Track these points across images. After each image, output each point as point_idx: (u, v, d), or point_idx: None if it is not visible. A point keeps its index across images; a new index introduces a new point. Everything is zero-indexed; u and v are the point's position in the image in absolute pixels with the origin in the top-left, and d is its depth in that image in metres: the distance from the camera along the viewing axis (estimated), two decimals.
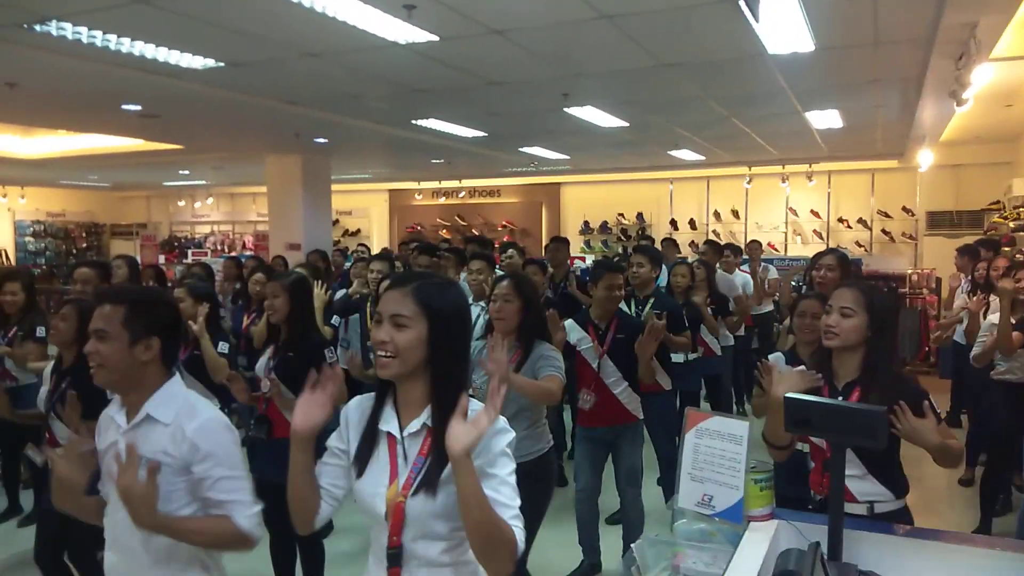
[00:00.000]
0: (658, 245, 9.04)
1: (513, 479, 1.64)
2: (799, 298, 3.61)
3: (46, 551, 3.38)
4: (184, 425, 1.94)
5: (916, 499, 2.63)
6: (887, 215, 12.20)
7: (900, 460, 2.54)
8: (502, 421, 1.65)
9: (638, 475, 4.15)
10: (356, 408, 1.80)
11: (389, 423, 1.72)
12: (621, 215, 14.26)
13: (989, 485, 4.85)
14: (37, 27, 4.71)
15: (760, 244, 9.40)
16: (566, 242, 7.03)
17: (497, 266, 6.05)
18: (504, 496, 1.59)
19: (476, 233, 14.30)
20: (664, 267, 5.91)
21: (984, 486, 4.88)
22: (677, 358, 5.12)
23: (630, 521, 4.18)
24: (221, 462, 1.95)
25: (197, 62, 5.62)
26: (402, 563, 1.65)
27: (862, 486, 2.47)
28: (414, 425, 1.68)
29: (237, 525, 1.95)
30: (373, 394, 1.79)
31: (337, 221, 14.98)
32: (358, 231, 16.49)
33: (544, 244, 8.67)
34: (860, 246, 12.12)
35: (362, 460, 1.73)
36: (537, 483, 3.16)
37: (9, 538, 4.92)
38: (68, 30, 4.79)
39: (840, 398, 2.47)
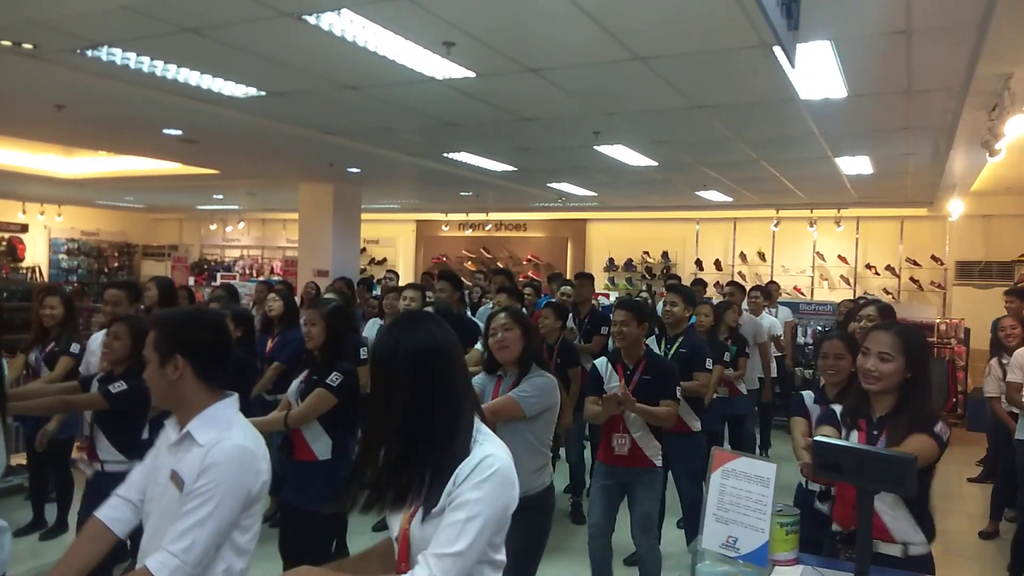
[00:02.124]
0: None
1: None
2: (821, 338, 3.61)
3: None
4: (214, 444, 1.94)
5: (938, 550, 2.60)
6: (916, 263, 12.09)
7: (932, 506, 2.52)
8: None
9: (653, 523, 4.08)
10: None
11: None
12: (646, 253, 14.27)
13: (1022, 541, 4.75)
14: (88, 52, 4.87)
15: (778, 285, 9.36)
16: (591, 278, 7.06)
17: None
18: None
19: (501, 266, 14.37)
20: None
21: (1017, 542, 4.78)
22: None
23: (646, 571, 4.12)
24: (209, 500, 1.86)
25: (239, 90, 5.78)
26: None
27: (899, 525, 2.44)
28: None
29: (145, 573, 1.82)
30: None
31: (364, 249, 15.13)
32: (384, 260, 16.64)
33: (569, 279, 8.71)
34: (888, 293, 12.01)
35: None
36: (539, 516, 3.24)
37: (32, 552, 4.97)
38: (117, 55, 4.95)
39: (875, 432, 2.46)
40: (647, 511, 4.03)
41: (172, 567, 1.81)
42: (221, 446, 1.91)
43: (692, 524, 4.85)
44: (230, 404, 2.06)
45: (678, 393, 4.08)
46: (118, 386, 3.37)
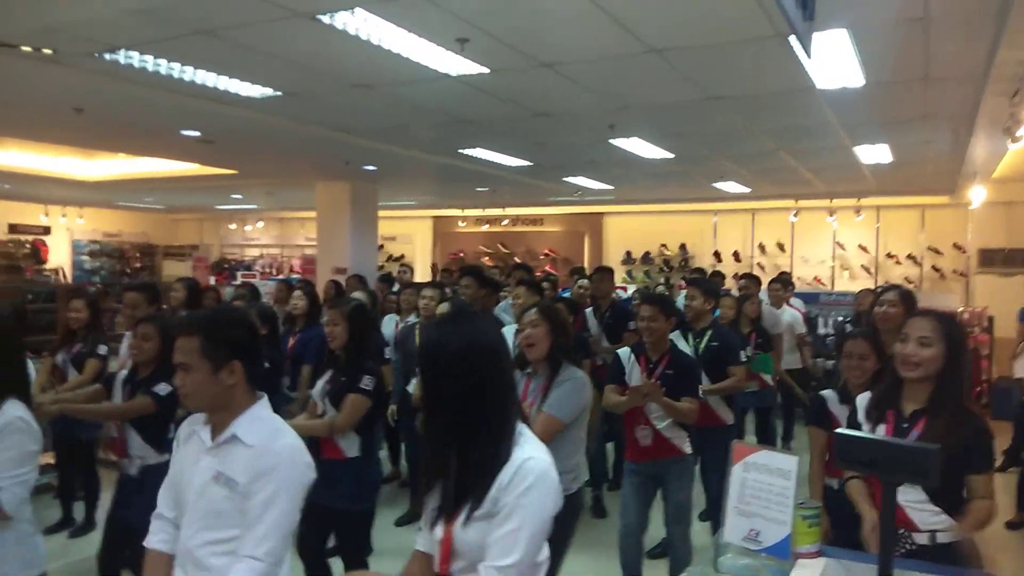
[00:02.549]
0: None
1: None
2: (845, 338, 3.58)
3: (110, 559, 3.46)
4: (268, 446, 1.96)
5: None
6: (938, 251, 11.96)
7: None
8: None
9: (687, 512, 4.08)
10: None
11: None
12: (664, 246, 14.21)
13: None
14: (106, 56, 4.93)
15: (789, 276, 9.13)
16: (610, 272, 7.02)
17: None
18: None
19: (519, 261, 14.37)
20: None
21: None
22: None
23: (677, 559, 4.09)
24: (274, 496, 1.91)
25: (256, 91, 5.82)
26: None
27: (923, 515, 2.42)
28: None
29: None
30: None
31: (382, 246, 15.18)
32: (402, 256, 16.69)
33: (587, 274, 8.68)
34: (910, 282, 11.88)
35: (428, 479, 1.79)
36: (568, 518, 3.20)
37: (62, 549, 5.04)
38: (135, 59, 5.00)
39: (906, 426, 2.43)
40: (680, 500, 4.04)
41: (260, 572, 1.87)
42: (279, 447, 1.95)
43: (717, 518, 4.83)
44: (266, 404, 2.08)
45: (700, 392, 4.08)
46: (163, 388, 3.36)
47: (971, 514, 2.39)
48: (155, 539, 2.11)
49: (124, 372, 3.72)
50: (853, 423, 2.66)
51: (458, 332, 1.72)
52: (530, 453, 1.68)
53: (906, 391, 2.50)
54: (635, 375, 4.03)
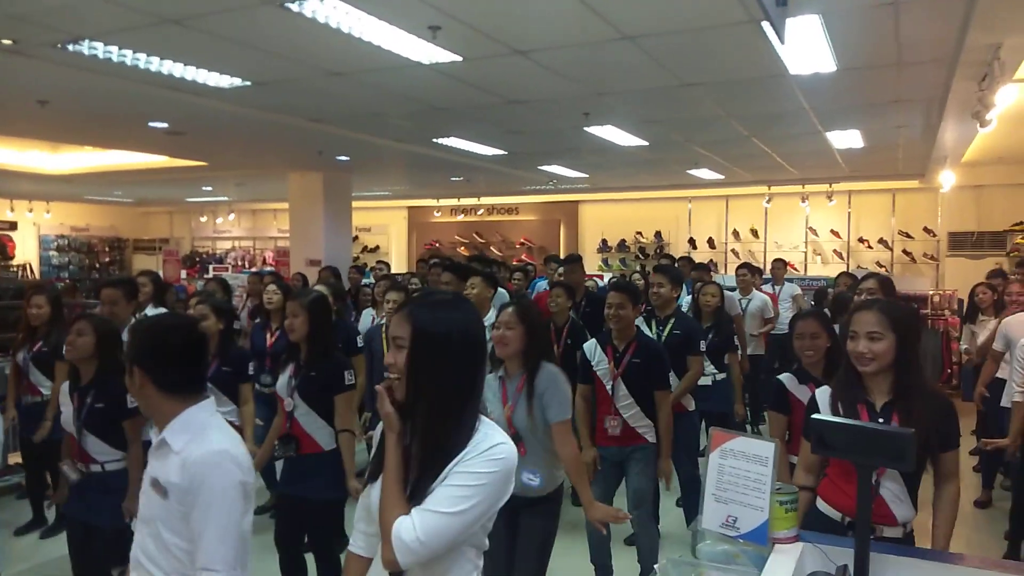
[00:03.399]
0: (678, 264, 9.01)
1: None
2: (796, 319, 3.61)
3: (79, 560, 3.40)
4: (190, 454, 1.91)
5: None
6: (908, 235, 12.13)
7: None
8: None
9: (645, 498, 4.10)
10: None
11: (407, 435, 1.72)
12: (639, 233, 14.27)
13: (1020, 511, 4.78)
14: (70, 46, 4.81)
15: (783, 263, 9.19)
16: (580, 260, 6.98)
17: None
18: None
19: (497, 252, 14.37)
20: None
21: (1016, 512, 4.80)
22: (704, 380, 5.10)
23: (642, 544, 4.14)
24: (210, 509, 1.87)
25: (224, 81, 5.72)
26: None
27: (902, 509, 2.46)
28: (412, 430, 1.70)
29: None
30: None
31: (356, 237, 15.08)
32: (377, 248, 16.60)
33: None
34: (881, 266, 12.04)
35: (376, 468, 1.75)
36: (558, 506, 3.34)
37: (33, 550, 4.97)
38: (99, 49, 4.89)
39: (881, 421, 2.44)
40: (639, 486, 4.06)
41: None
42: (203, 454, 1.90)
43: (691, 503, 4.87)
44: (203, 408, 2.04)
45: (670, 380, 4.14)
46: (132, 399, 3.22)
47: (945, 504, 2.47)
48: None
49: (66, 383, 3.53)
50: (812, 411, 2.65)
51: (457, 316, 1.70)
52: (500, 439, 1.66)
53: (870, 383, 2.51)
54: (603, 364, 4.04)
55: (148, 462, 2.02)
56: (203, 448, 1.91)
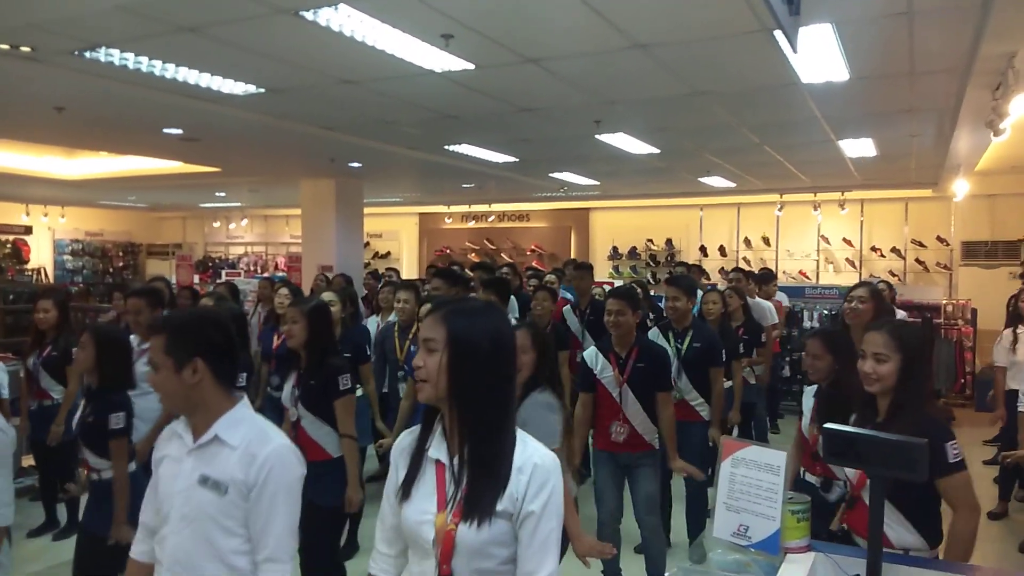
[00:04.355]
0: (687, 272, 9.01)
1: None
2: (805, 336, 3.64)
3: (80, 565, 3.42)
4: (256, 450, 1.94)
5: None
6: (921, 244, 12.05)
7: (940, 510, 2.47)
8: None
9: (656, 503, 4.10)
10: (407, 436, 1.79)
11: (439, 450, 1.69)
12: (650, 241, 14.25)
13: None
14: (87, 54, 4.86)
15: (770, 271, 9.10)
16: (590, 268, 7.01)
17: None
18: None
19: (508, 259, 14.38)
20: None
21: None
22: None
23: (651, 553, 4.13)
24: (278, 501, 1.93)
25: (238, 88, 5.76)
26: None
27: (899, 534, 2.42)
28: (461, 448, 1.66)
29: None
30: (419, 426, 1.76)
31: (368, 244, 15.13)
32: (388, 254, 16.65)
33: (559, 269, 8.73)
34: (894, 275, 11.97)
35: (408, 485, 1.71)
36: None
37: (46, 551, 5.00)
38: (115, 56, 4.93)
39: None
40: (649, 492, 4.06)
41: (286, 572, 1.93)
42: (270, 452, 1.94)
43: (694, 512, 4.83)
44: (247, 405, 2.07)
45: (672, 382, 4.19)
46: (116, 420, 3.27)
47: (951, 536, 2.38)
48: (137, 549, 2.12)
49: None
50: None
51: (491, 322, 1.68)
52: (534, 450, 1.65)
53: (879, 400, 2.52)
54: (607, 372, 4.03)
55: (183, 460, 1.99)
56: (271, 444, 1.96)
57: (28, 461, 5.75)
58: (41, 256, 16.85)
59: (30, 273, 16.17)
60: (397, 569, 1.79)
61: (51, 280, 16.24)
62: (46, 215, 16.59)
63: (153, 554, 2.05)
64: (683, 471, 4.06)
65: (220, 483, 1.92)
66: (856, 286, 3.97)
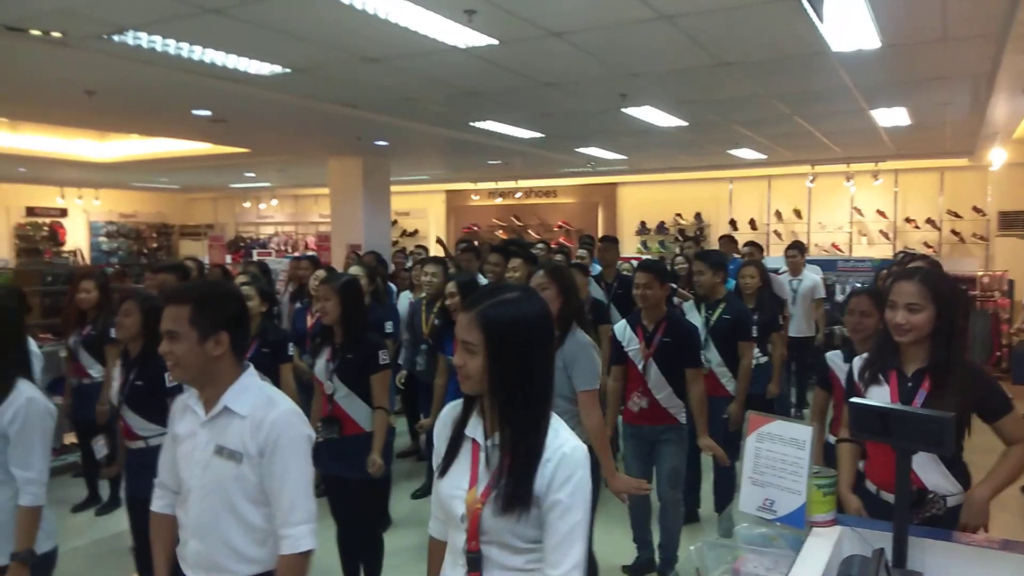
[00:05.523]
0: (715, 244, 8.94)
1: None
2: (850, 294, 3.58)
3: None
4: (262, 416, 2.00)
5: None
6: (957, 215, 11.80)
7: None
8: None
9: (678, 478, 4.12)
10: (450, 411, 1.82)
11: (475, 429, 1.72)
12: (679, 215, 14.12)
13: None
14: (115, 37, 4.92)
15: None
16: (615, 241, 6.99)
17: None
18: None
19: (535, 235, 14.37)
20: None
21: None
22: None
23: (665, 522, 4.16)
24: (288, 462, 2.00)
25: (265, 68, 5.79)
26: (482, 568, 1.66)
27: (934, 477, 2.44)
28: (499, 436, 1.68)
29: (293, 556, 2.00)
30: (462, 400, 1.78)
31: (395, 222, 15.20)
32: (415, 232, 16.70)
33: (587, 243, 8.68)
34: (929, 247, 11.76)
35: (447, 461, 1.75)
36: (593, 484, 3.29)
37: (90, 526, 5.16)
38: (144, 39, 4.99)
39: (910, 385, 2.43)
40: (674, 466, 4.08)
41: (308, 532, 2.00)
42: (276, 417, 2.00)
43: (723, 488, 4.85)
44: (253, 374, 2.12)
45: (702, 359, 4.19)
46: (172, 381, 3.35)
47: (1011, 455, 2.46)
48: (160, 503, 2.22)
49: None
50: (850, 383, 2.68)
51: (527, 311, 1.67)
52: (564, 439, 1.66)
53: (905, 352, 2.49)
54: (633, 345, 4.05)
55: (197, 433, 2.06)
56: (276, 410, 2.02)
57: (70, 438, 5.91)
58: (77, 238, 17.17)
59: (67, 255, 16.50)
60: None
61: (87, 262, 16.56)
62: (80, 198, 16.87)
63: (173, 507, 2.15)
64: (709, 450, 4.08)
65: (235, 452, 1.99)
66: (912, 259, 3.89)
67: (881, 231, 12.45)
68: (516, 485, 1.61)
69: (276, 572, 2.03)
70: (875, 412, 2.08)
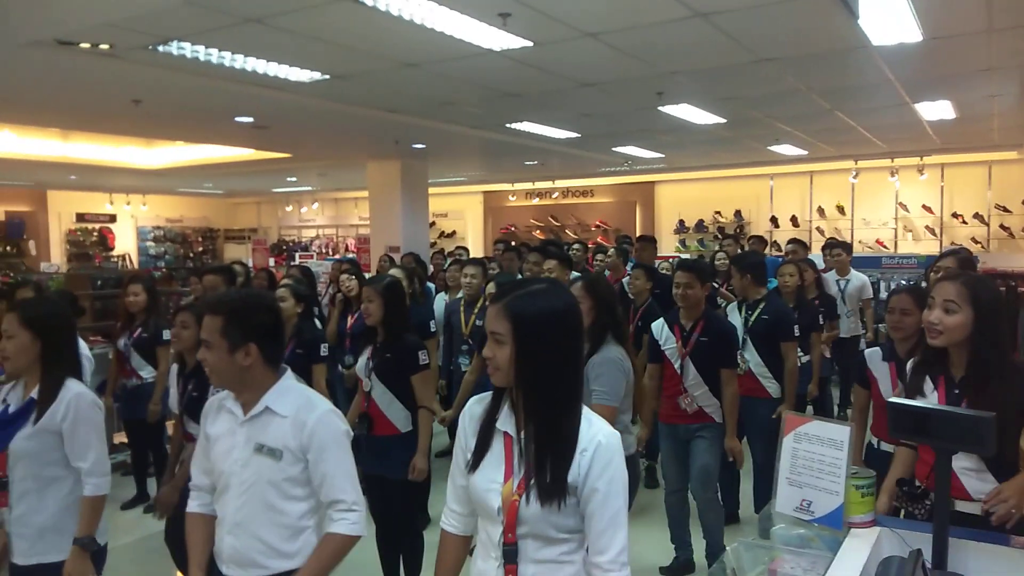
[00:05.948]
0: (746, 244, 8.88)
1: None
2: (892, 292, 3.52)
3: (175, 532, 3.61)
4: (304, 417, 2.08)
5: None
6: (1006, 209, 11.50)
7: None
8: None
9: (711, 477, 4.09)
10: (476, 404, 1.84)
11: (507, 422, 1.73)
12: (718, 213, 13.97)
13: None
14: (160, 48, 5.06)
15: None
16: (653, 241, 7.00)
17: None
18: None
19: (573, 235, 14.36)
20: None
21: None
22: None
23: (706, 521, 4.13)
24: (333, 456, 2.09)
25: (304, 75, 5.90)
26: (518, 560, 1.67)
27: (977, 483, 2.35)
28: (531, 428, 1.69)
29: (343, 536, 2.09)
30: (490, 393, 1.80)
31: (433, 223, 15.31)
32: (453, 233, 16.80)
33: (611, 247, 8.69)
34: (977, 243, 11.48)
35: (478, 455, 1.76)
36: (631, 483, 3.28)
37: (137, 523, 5.29)
38: (187, 49, 5.12)
39: (957, 392, 2.37)
40: (705, 463, 4.05)
41: (358, 518, 2.12)
42: (316, 418, 2.09)
43: (762, 488, 4.79)
44: (290, 376, 2.20)
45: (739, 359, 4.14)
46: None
47: None
48: (195, 504, 2.28)
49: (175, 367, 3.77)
50: (903, 382, 2.62)
51: (554, 303, 1.69)
52: (598, 428, 1.68)
53: (952, 357, 2.42)
54: (670, 344, 4.04)
55: (235, 432, 2.12)
56: (317, 410, 2.11)
57: (120, 438, 6.08)
58: (125, 243, 17.62)
59: (116, 260, 16.95)
60: (465, 526, 1.88)
61: (136, 266, 16.98)
62: (128, 203, 17.31)
63: (209, 507, 2.22)
64: (732, 452, 4.06)
65: (275, 450, 2.07)
66: (943, 255, 3.81)
67: (927, 227, 12.18)
68: (553, 476, 1.63)
69: (319, 546, 2.10)
70: (913, 412, 2.06)
